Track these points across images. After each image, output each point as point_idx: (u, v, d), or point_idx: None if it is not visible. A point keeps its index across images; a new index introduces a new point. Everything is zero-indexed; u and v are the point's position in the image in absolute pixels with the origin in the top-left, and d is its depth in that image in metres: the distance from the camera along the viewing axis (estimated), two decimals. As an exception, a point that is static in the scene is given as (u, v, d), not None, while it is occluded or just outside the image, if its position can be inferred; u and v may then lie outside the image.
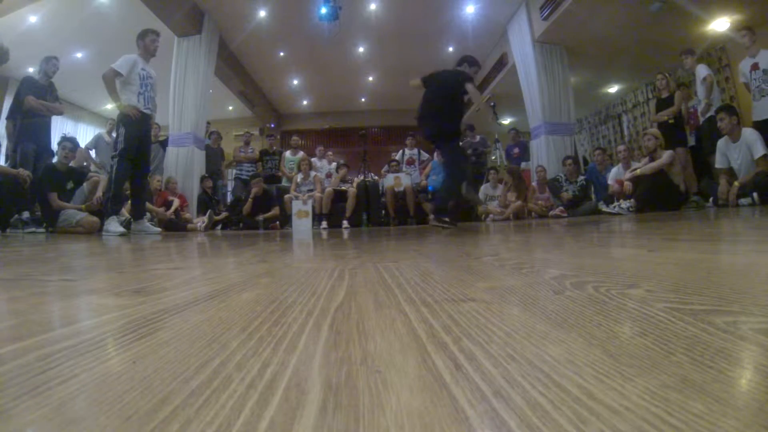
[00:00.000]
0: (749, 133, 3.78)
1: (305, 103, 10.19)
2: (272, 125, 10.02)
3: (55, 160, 3.99)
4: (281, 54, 7.43)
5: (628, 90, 8.02)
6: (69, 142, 3.83)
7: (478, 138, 6.28)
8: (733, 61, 5.30)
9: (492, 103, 6.29)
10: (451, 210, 3.43)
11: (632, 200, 4.13)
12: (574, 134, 6.17)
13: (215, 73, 6.26)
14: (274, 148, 6.67)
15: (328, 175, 6.13)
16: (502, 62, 7.12)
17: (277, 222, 5.45)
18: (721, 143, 3.95)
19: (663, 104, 4.72)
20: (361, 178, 5.89)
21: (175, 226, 4.61)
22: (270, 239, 2.51)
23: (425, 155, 6.16)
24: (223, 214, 5.51)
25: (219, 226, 5.33)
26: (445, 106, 3.30)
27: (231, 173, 7.21)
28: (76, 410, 0.20)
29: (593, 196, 5.10)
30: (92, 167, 5.33)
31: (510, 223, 4.14)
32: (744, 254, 0.75)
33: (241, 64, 7.76)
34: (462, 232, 2.45)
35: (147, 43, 3.55)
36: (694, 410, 0.17)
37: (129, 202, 3.77)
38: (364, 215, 5.58)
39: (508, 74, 6.88)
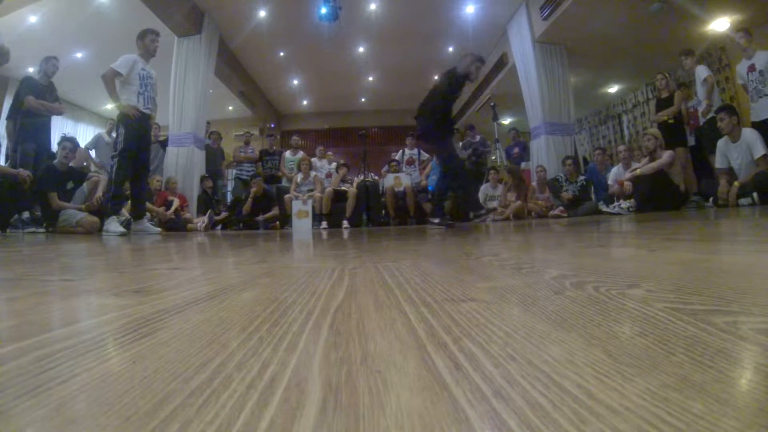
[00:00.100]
0: (749, 133, 3.78)
1: (305, 103, 10.19)
2: (272, 125, 10.02)
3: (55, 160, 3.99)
4: (281, 54, 7.43)
5: (628, 90, 8.02)
6: (69, 142, 3.82)
7: (478, 138, 6.27)
8: (733, 61, 5.30)
9: (492, 104, 6.29)
10: (451, 210, 3.45)
11: (632, 200, 4.13)
12: (574, 134, 6.17)
13: (215, 73, 6.26)
14: (274, 148, 6.68)
15: (328, 175, 6.13)
16: (502, 62, 7.11)
17: (277, 222, 5.45)
18: (721, 143, 3.95)
19: (663, 104, 4.72)
20: (361, 178, 5.89)
21: (175, 226, 4.61)
22: (270, 239, 2.51)
23: (425, 155, 6.15)
24: (223, 214, 5.51)
25: (219, 226, 5.33)
26: (429, 105, 3.32)
27: (231, 173, 7.21)
28: (76, 410, 0.20)
29: (593, 196, 5.10)
30: (92, 167, 5.33)
31: (510, 223, 4.14)
32: (744, 254, 0.75)
33: (241, 64, 7.76)
34: (462, 233, 2.45)
35: (147, 43, 3.55)
36: (694, 410, 0.17)
37: (129, 202, 3.77)
38: (364, 215, 5.58)
39: (508, 74, 6.88)
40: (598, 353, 0.25)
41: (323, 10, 5.40)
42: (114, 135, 4.06)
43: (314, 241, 2.31)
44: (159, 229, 3.79)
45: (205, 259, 1.24)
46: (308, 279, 0.66)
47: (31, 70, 5.19)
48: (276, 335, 0.33)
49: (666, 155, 4.08)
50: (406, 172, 5.85)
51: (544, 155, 5.64)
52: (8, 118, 4.35)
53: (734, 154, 3.86)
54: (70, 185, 3.81)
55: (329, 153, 6.74)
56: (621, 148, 4.91)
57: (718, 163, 4.00)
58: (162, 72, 4.27)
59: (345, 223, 5.32)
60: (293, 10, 5.99)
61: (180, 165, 5.48)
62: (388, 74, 8.44)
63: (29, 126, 4.14)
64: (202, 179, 5.64)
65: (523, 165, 6.22)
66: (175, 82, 5.63)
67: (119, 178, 3.44)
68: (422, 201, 5.53)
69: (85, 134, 7.99)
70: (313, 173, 5.80)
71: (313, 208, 5.37)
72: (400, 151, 6.28)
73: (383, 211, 5.66)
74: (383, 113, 10.37)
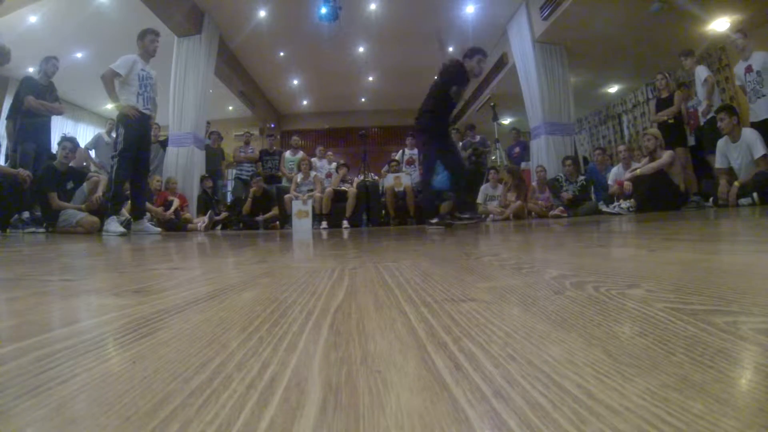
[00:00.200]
0: (749, 133, 3.78)
1: (305, 103, 10.19)
2: (272, 125, 10.02)
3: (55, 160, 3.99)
4: (281, 54, 7.43)
5: (628, 90, 8.02)
6: (69, 142, 3.83)
7: (478, 138, 6.28)
8: (733, 62, 5.31)
9: (492, 103, 6.29)
10: (451, 209, 3.44)
11: (632, 200, 4.13)
12: (574, 134, 6.17)
13: (215, 73, 6.26)
14: (274, 148, 6.68)
15: (328, 175, 6.13)
16: (502, 62, 7.12)
17: (277, 222, 5.45)
18: (721, 143, 3.96)
19: (663, 104, 4.73)
20: (361, 178, 5.89)
21: (175, 226, 4.61)
22: (270, 239, 2.51)
23: (425, 155, 6.15)
24: (223, 214, 5.51)
25: (219, 226, 5.33)
26: (425, 102, 3.33)
27: (231, 173, 7.21)
28: (76, 410, 0.20)
29: (593, 196, 5.10)
30: (92, 167, 5.33)
31: (510, 223, 4.14)
32: (744, 254, 0.75)
33: (241, 64, 7.76)
34: (462, 232, 2.45)
35: (146, 43, 3.55)
36: (694, 410, 0.17)
37: (129, 202, 3.77)
38: (364, 215, 5.58)
39: (508, 74, 6.88)
40: (598, 353, 0.25)
41: (323, 10, 5.40)
42: (114, 135, 4.06)
43: (314, 241, 2.31)
44: (159, 229, 3.79)
45: (205, 259, 1.24)
46: (308, 279, 0.66)
47: (31, 70, 5.19)
48: (276, 335, 0.33)
49: (666, 155, 4.08)
50: (406, 172, 5.85)
51: (544, 155, 5.64)
52: (8, 118, 4.36)
53: (734, 154, 3.86)
54: (70, 185, 3.81)
55: (329, 153, 6.74)
56: (621, 148, 4.91)
57: (718, 163, 4.00)
58: (162, 72, 4.27)
59: (345, 223, 5.32)
60: (293, 10, 5.99)
61: (180, 165, 5.48)
62: (388, 74, 8.44)
63: (29, 126, 4.14)
64: (202, 179, 5.64)
65: (523, 165, 6.22)
66: (175, 82, 5.63)
67: (119, 178, 3.44)
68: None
69: (85, 134, 7.99)
70: (313, 173, 5.80)
71: (313, 208, 5.37)
72: (400, 151, 6.28)
73: (383, 211, 5.66)
74: (383, 113, 10.37)
